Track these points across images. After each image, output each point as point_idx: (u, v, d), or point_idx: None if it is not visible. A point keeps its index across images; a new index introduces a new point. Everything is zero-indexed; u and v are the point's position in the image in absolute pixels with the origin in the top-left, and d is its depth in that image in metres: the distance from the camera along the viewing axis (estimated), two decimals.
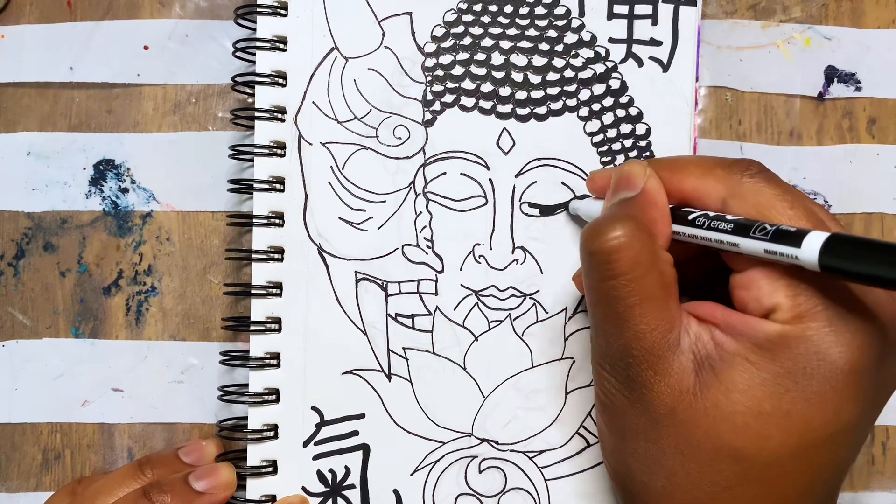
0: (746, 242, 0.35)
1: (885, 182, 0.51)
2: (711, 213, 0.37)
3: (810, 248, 0.32)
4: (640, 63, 0.48)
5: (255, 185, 0.46)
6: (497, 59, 0.47)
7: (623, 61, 0.48)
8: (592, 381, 0.41)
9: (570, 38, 0.47)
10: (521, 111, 0.47)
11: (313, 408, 0.47)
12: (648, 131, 0.47)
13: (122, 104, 0.50)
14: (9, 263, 0.50)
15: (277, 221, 0.47)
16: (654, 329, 0.36)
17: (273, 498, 0.47)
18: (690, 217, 0.38)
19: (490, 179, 0.47)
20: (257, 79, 0.46)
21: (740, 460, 0.35)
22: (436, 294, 0.47)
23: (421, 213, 0.47)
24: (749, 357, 0.35)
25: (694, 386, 0.35)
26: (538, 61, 0.47)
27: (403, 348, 0.47)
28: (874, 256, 0.31)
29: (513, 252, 0.47)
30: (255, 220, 0.47)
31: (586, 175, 0.47)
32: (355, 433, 0.47)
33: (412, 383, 0.47)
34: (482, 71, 0.47)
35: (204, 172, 0.50)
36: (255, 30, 0.47)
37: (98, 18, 0.50)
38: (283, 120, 0.47)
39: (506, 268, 0.47)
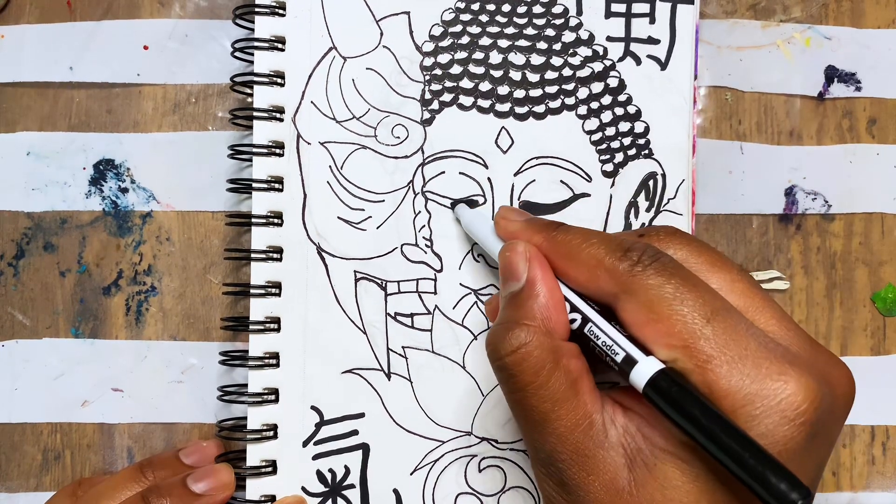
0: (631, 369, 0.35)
1: (885, 182, 0.51)
2: (606, 339, 0.36)
3: (638, 379, 0.34)
4: (638, 61, 0.48)
5: (254, 185, 0.46)
6: (495, 57, 0.47)
7: (621, 60, 0.48)
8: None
9: (568, 36, 0.47)
10: (519, 110, 0.47)
11: (313, 407, 0.47)
12: (647, 129, 0.47)
13: (122, 104, 0.50)
14: (9, 263, 0.50)
15: (276, 221, 0.47)
16: (574, 428, 0.35)
17: (272, 498, 0.47)
18: (589, 334, 0.37)
19: (489, 178, 0.47)
20: (255, 79, 0.46)
21: None
22: (435, 293, 0.47)
23: (420, 212, 0.47)
24: (681, 455, 0.34)
25: (629, 483, 0.34)
26: (536, 60, 0.47)
27: (403, 347, 0.47)
28: (683, 409, 0.32)
29: None
30: (253, 220, 0.47)
31: (585, 173, 0.47)
32: (355, 433, 0.47)
33: (412, 382, 0.47)
34: (480, 70, 0.47)
35: (204, 172, 0.50)
36: (253, 30, 0.47)
37: (98, 18, 0.50)
38: (281, 120, 0.47)
39: None
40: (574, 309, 0.37)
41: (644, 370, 0.33)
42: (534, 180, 0.47)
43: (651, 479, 0.34)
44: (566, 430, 0.35)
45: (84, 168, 0.50)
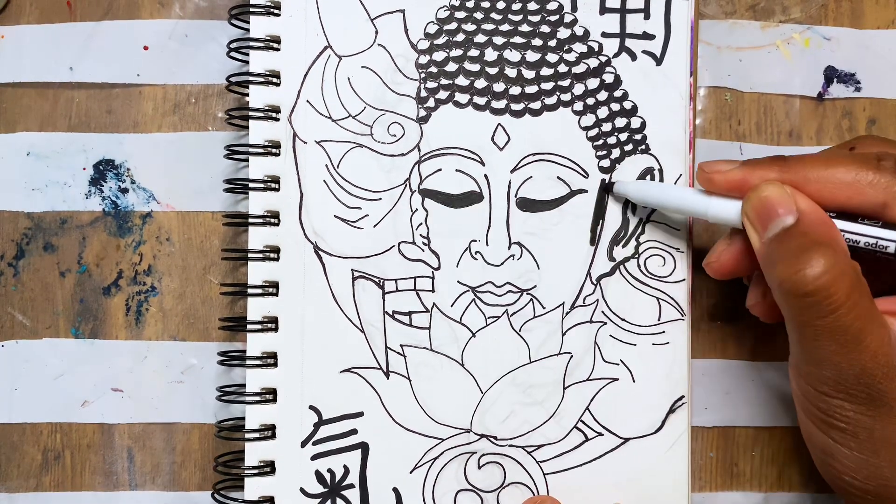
0: None
1: None
2: (868, 239, 0.38)
3: None
4: (633, 57, 0.48)
5: (251, 185, 0.47)
6: (490, 54, 0.47)
7: (616, 55, 0.48)
8: (807, 413, 0.40)
9: (563, 33, 0.47)
10: (515, 106, 0.47)
11: (311, 407, 0.47)
12: (643, 125, 0.47)
13: (122, 104, 0.50)
14: (9, 263, 0.50)
15: (273, 220, 0.47)
16: (883, 342, 0.36)
17: (271, 499, 0.47)
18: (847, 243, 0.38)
19: (485, 175, 0.47)
20: (251, 78, 0.47)
21: None
22: (433, 291, 0.47)
23: (417, 210, 0.47)
24: None
25: None
26: (532, 56, 0.47)
27: (401, 345, 0.47)
28: None
29: (509, 248, 0.47)
30: (250, 220, 0.47)
31: (582, 169, 0.47)
32: (354, 432, 0.47)
33: (410, 380, 0.47)
34: (476, 67, 0.47)
35: (203, 172, 0.50)
36: (249, 30, 0.47)
37: (98, 18, 0.50)
38: (277, 119, 0.47)
39: (502, 263, 0.47)
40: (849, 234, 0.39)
41: None
42: (531, 177, 0.47)
43: None
44: (878, 346, 0.36)
45: (84, 168, 0.50)
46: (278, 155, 0.47)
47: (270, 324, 0.47)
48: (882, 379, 0.36)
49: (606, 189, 0.47)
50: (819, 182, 0.39)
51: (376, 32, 0.47)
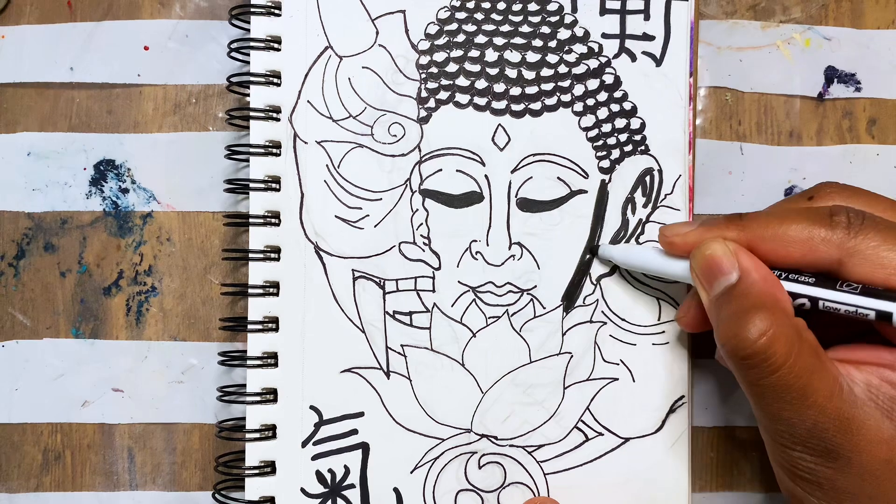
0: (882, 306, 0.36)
1: (885, 182, 0.51)
2: (848, 307, 0.37)
3: None
4: (633, 58, 0.48)
5: (251, 185, 0.47)
6: (491, 55, 0.47)
7: (616, 56, 0.48)
8: (774, 461, 0.40)
9: (564, 33, 0.48)
10: (515, 107, 0.47)
11: (312, 407, 0.47)
12: (643, 125, 0.48)
13: (122, 104, 0.50)
14: (9, 263, 0.50)
15: (274, 221, 0.47)
16: (832, 395, 0.35)
17: (272, 499, 0.47)
18: (826, 309, 0.38)
19: (486, 175, 0.47)
20: (252, 78, 0.47)
21: None
22: (433, 291, 0.47)
23: (417, 210, 0.47)
24: None
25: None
26: (532, 57, 0.47)
27: (402, 346, 0.47)
28: None
29: (509, 248, 0.47)
30: (251, 220, 0.47)
31: (582, 169, 0.47)
32: (354, 432, 0.47)
33: (411, 380, 0.47)
34: (476, 67, 0.47)
35: (204, 173, 0.50)
36: (250, 30, 0.47)
37: (98, 18, 0.50)
38: (278, 119, 0.47)
39: (503, 264, 0.47)
40: (795, 294, 0.38)
41: None
42: (531, 177, 0.47)
43: None
44: (825, 399, 0.35)
45: (84, 168, 0.50)
46: (279, 155, 0.47)
47: (271, 324, 0.47)
48: (835, 432, 0.36)
49: (592, 252, 0.48)
50: (774, 241, 0.38)
51: (377, 33, 0.47)
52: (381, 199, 0.47)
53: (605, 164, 0.47)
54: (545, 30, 0.47)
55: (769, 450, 0.40)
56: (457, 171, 0.47)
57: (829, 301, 0.37)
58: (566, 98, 0.47)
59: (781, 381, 0.36)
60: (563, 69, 0.47)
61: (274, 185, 0.47)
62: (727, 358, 0.37)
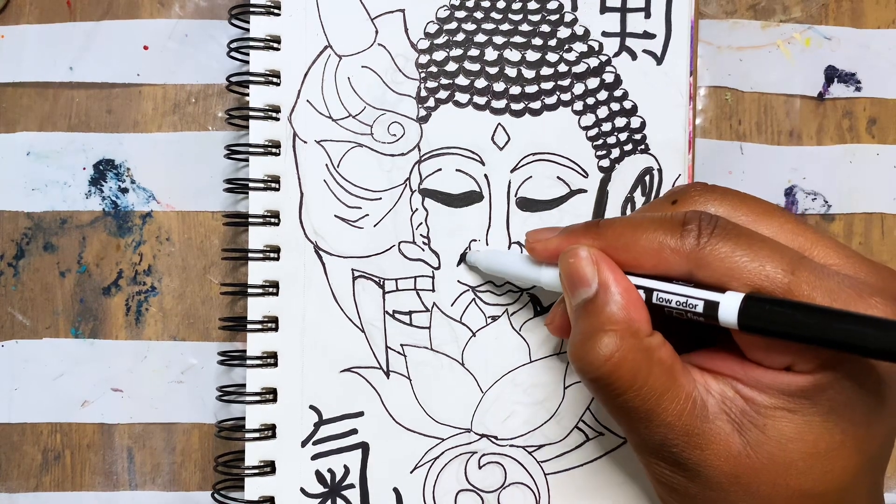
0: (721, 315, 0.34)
1: (885, 182, 0.51)
2: (679, 297, 0.36)
3: (728, 314, 0.33)
4: (633, 56, 0.48)
5: (251, 185, 0.47)
6: (490, 54, 0.47)
7: (617, 55, 0.48)
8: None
9: (564, 32, 0.47)
10: (515, 106, 0.47)
11: (311, 407, 0.47)
12: (643, 124, 0.47)
13: (122, 104, 0.50)
14: (9, 263, 0.50)
15: (273, 220, 0.47)
16: (681, 413, 0.35)
17: (272, 499, 0.47)
18: (659, 302, 0.36)
19: (485, 175, 0.47)
20: (251, 78, 0.47)
21: (813, 499, 0.35)
22: (433, 290, 0.47)
23: (417, 209, 0.47)
24: (788, 407, 0.34)
25: (744, 447, 0.35)
26: (532, 56, 0.47)
27: (401, 345, 0.47)
28: (786, 317, 0.32)
29: (509, 247, 0.47)
30: (250, 220, 0.47)
31: (582, 169, 0.47)
32: (354, 431, 0.47)
33: (411, 380, 0.47)
34: (476, 67, 0.47)
35: (204, 172, 0.50)
36: (249, 29, 0.47)
37: (98, 18, 0.50)
38: (277, 119, 0.47)
39: None
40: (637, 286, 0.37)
41: (730, 303, 0.33)
42: (530, 177, 0.47)
43: (766, 439, 0.34)
44: (673, 418, 0.35)
45: (84, 168, 0.50)
46: (278, 155, 0.47)
47: (270, 323, 0.47)
48: (683, 447, 0.35)
49: (461, 258, 0.47)
50: (626, 251, 0.37)
51: (376, 32, 0.47)
52: (380, 198, 0.47)
53: (605, 163, 0.47)
54: (545, 28, 0.47)
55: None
56: (456, 170, 0.47)
57: (662, 291, 0.36)
58: (566, 97, 0.47)
59: (627, 404, 0.35)
60: (562, 68, 0.47)
61: (273, 185, 0.47)
62: (577, 373, 0.37)
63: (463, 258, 0.47)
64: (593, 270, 0.37)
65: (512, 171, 0.47)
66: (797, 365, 0.34)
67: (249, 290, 0.47)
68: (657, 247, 0.36)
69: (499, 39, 0.47)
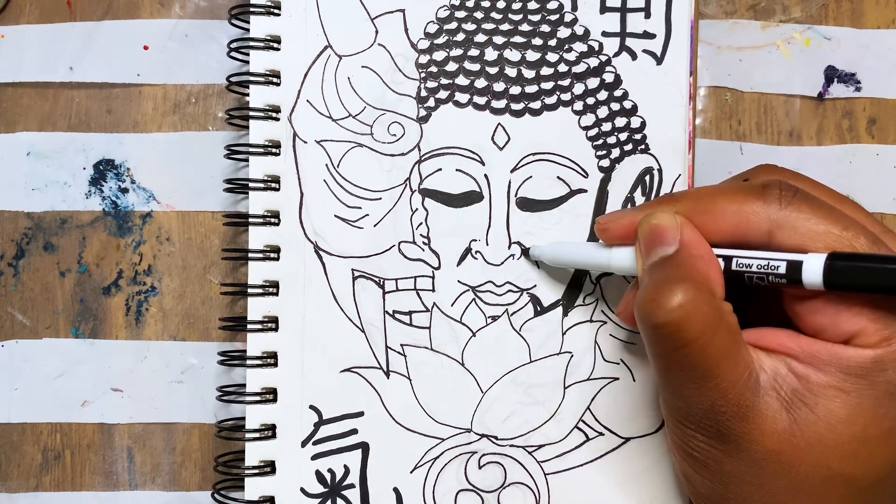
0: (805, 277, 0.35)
1: (885, 182, 0.51)
2: (760, 261, 0.36)
3: (813, 273, 0.34)
4: (633, 56, 0.48)
5: (251, 185, 0.47)
6: (490, 54, 0.47)
7: (617, 55, 0.48)
8: (669, 436, 0.40)
9: (564, 32, 0.47)
10: (515, 106, 0.47)
11: (311, 407, 0.47)
12: (643, 124, 0.47)
13: (122, 104, 0.50)
14: (9, 263, 0.50)
15: (273, 220, 0.47)
16: (736, 382, 0.35)
17: (272, 499, 0.47)
18: (740, 268, 0.37)
19: (485, 175, 0.47)
20: (251, 78, 0.47)
21: (850, 484, 0.35)
22: (433, 290, 0.47)
23: (417, 209, 0.47)
24: (843, 387, 0.34)
25: (791, 425, 0.35)
26: (532, 56, 0.47)
27: (401, 345, 0.47)
28: (874, 271, 0.33)
29: (509, 247, 0.47)
30: (250, 220, 0.47)
31: (582, 169, 0.47)
32: (354, 431, 0.47)
33: (411, 380, 0.47)
34: (476, 67, 0.47)
35: (204, 172, 0.50)
36: (249, 29, 0.47)
37: (98, 18, 0.50)
38: (277, 119, 0.47)
39: (502, 263, 0.47)
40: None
41: (815, 262, 0.34)
42: (530, 177, 0.47)
43: (816, 419, 0.34)
44: (729, 385, 0.35)
45: (84, 168, 0.50)
46: (278, 155, 0.47)
47: (270, 323, 0.47)
48: (731, 417, 0.35)
49: (524, 253, 0.47)
50: (705, 214, 0.38)
51: (376, 32, 0.47)
52: (380, 198, 0.47)
53: (605, 163, 0.47)
54: (545, 28, 0.47)
55: (667, 429, 0.39)
56: (456, 170, 0.47)
57: (742, 257, 0.37)
58: (566, 97, 0.47)
59: (689, 358, 0.35)
60: (562, 68, 0.47)
61: (273, 185, 0.47)
62: (640, 323, 0.37)
63: (526, 253, 0.47)
64: (676, 232, 0.37)
65: (512, 171, 0.47)
66: (860, 337, 0.34)
67: (249, 290, 0.47)
68: (737, 208, 0.37)
69: (499, 39, 0.47)
